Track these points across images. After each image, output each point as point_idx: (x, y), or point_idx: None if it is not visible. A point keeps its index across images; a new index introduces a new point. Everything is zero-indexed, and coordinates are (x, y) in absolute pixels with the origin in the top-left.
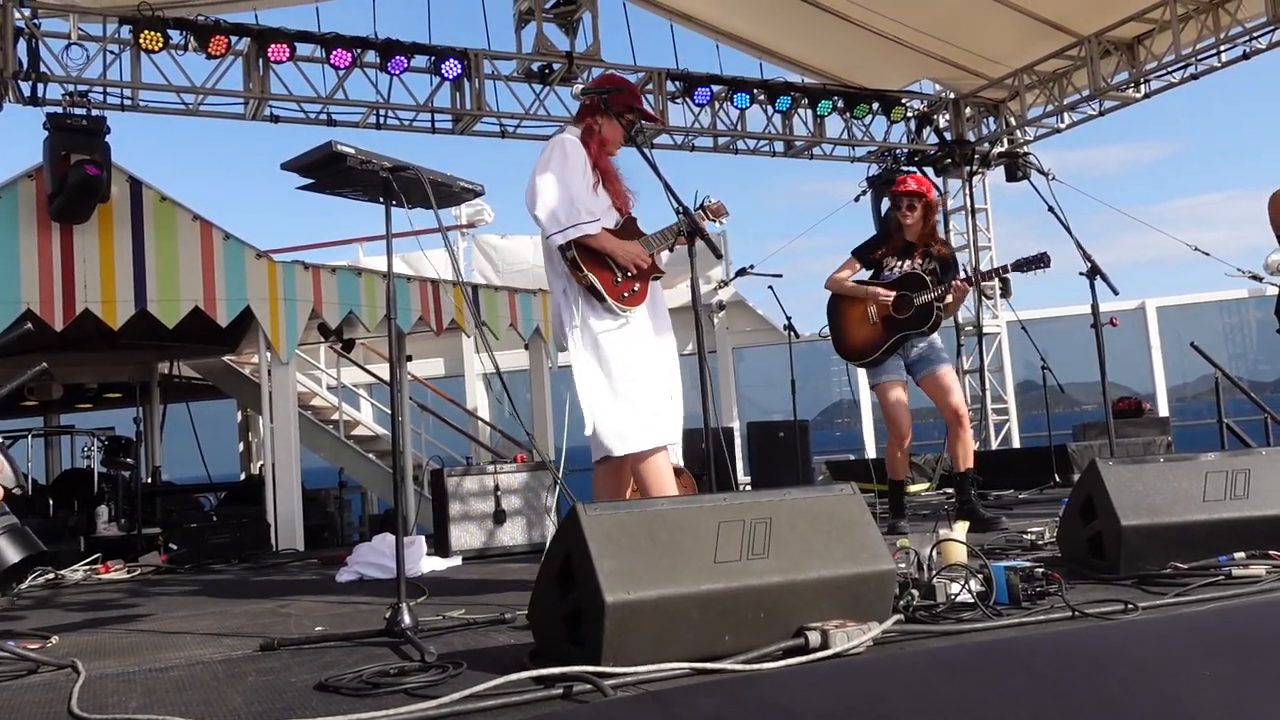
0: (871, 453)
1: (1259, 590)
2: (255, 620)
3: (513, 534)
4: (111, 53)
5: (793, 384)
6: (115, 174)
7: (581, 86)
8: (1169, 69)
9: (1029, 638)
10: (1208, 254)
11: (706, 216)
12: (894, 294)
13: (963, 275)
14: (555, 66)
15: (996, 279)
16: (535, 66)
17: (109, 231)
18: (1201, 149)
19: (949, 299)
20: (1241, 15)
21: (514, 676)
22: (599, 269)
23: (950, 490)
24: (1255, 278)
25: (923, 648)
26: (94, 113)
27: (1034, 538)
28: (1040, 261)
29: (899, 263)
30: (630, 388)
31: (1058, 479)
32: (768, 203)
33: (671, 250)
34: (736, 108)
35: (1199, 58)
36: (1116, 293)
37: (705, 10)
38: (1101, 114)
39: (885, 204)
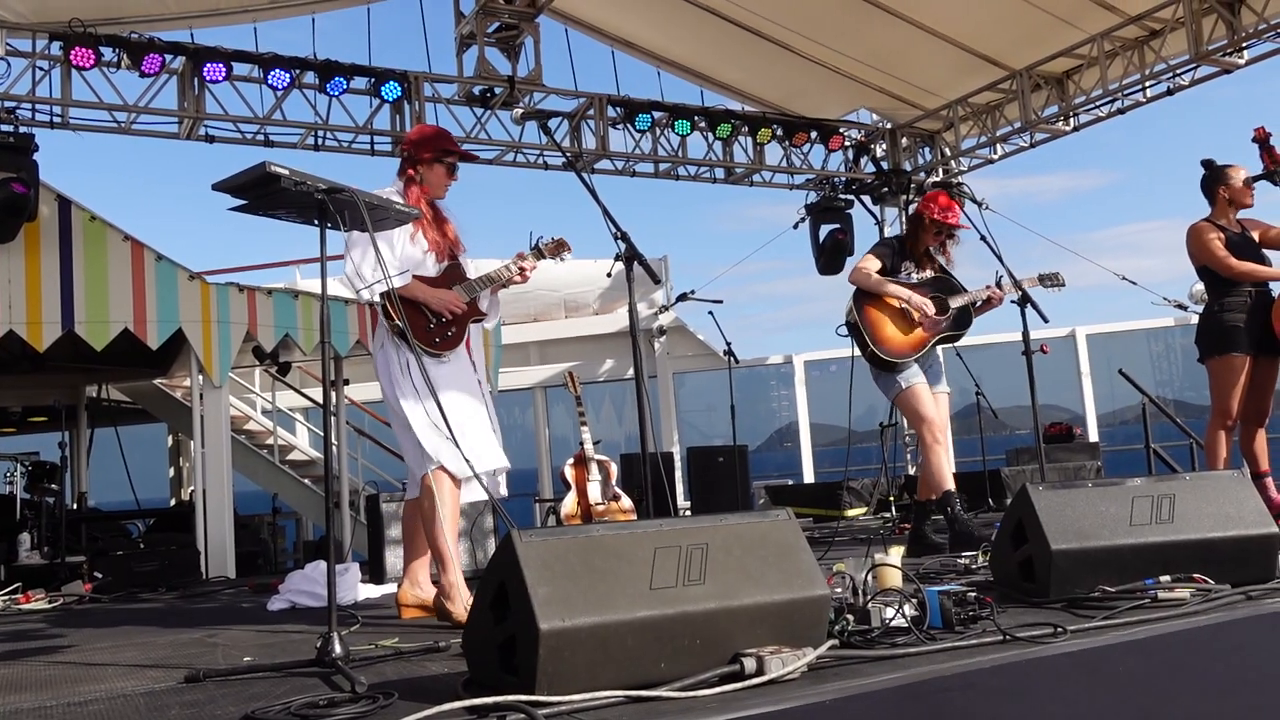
0: (810, 477)
1: (1183, 613)
2: (181, 651)
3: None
4: (41, 69)
5: (732, 409)
6: (43, 192)
7: (521, 111)
8: (1097, 103)
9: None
10: (1135, 283)
11: (544, 255)
12: (933, 297)
13: (995, 283)
14: (497, 90)
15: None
16: (476, 90)
17: (36, 251)
18: (1138, 178)
19: (979, 302)
20: (1166, 53)
21: (446, 706)
22: (412, 316)
23: (886, 515)
24: (1181, 306)
25: (856, 673)
26: (22, 130)
27: (967, 562)
28: (1055, 280)
29: (915, 268)
30: (431, 426)
31: (991, 503)
32: (715, 227)
33: (507, 285)
34: (677, 134)
35: (1125, 92)
36: (1046, 320)
37: (647, 37)
38: (1033, 145)
39: (822, 228)
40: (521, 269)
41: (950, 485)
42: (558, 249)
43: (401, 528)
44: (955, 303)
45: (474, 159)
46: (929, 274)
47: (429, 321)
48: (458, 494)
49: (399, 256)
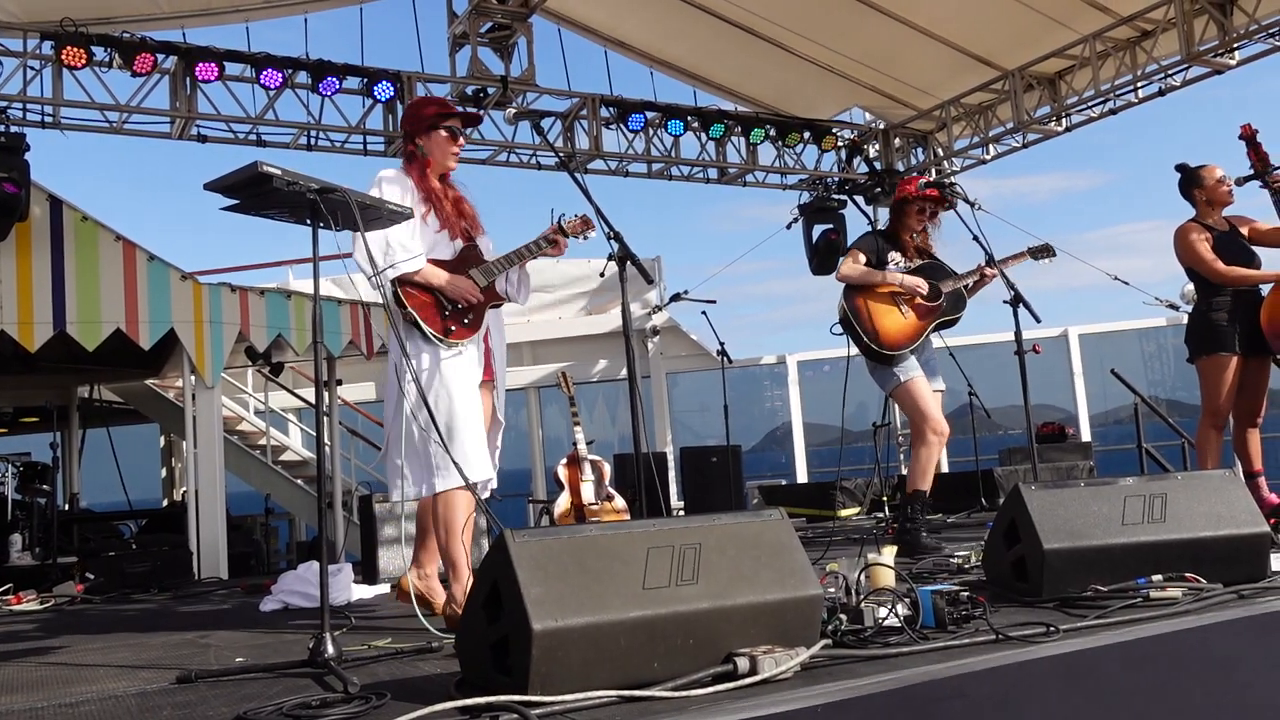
0: (803, 478)
1: (1175, 612)
2: (173, 652)
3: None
4: (32, 68)
5: (725, 409)
6: (35, 193)
7: (514, 111)
8: (1089, 104)
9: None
10: (1127, 283)
11: (567, 235)
12: (927, 281)
13: (985, 262)
14: (490, 90)
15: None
16: (469, 90)
17: (27, 251)
18: (1131, 178)
19: (971, 284)
20: (1158, 53)
21: (438, 707)
22: (427, 304)
23: (880, 515)
24: (1172, 306)
25: (849, 673)
26: (13, 129)
27: (960, 561)
28: (1046, 251)
29: (903, 257)
30: (454, 424)
31: (985, 503)
32: (709, 227)
33: (535, 256)
34: (670, 134)
35: (1117, 93)
36: (1039, 320)
37: (640, 37)
38: (1025, 146)
39: (815, 228)
40: (554, 242)
41: (924, 486)
42: (582, 227)
43: (416, 523)
44: (947, 286)
45: (475, 119)
46: (917, 262)
47: (444, 308)
48: (472, 502)
49: (412, 238)
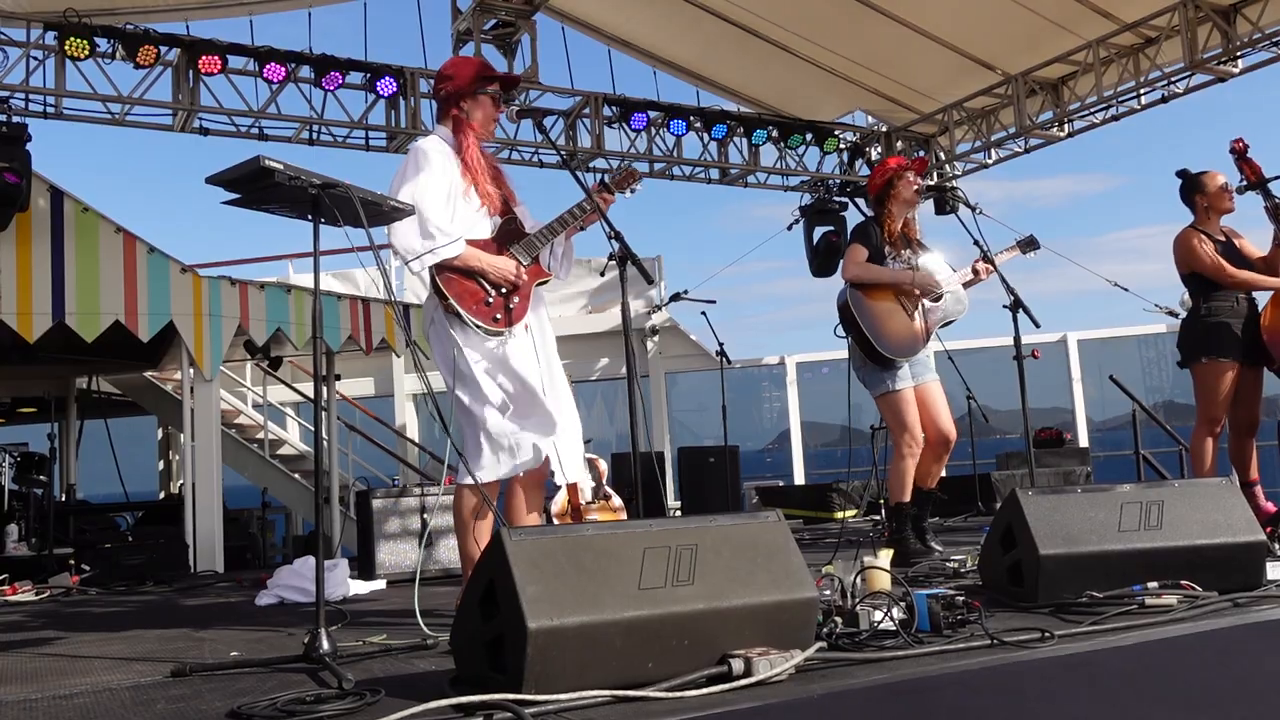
0: (801, 479)
1: (1170, 619)
2: (168, 645)
3: (439, 557)
4: (35, 59)
5: (724, 409)
6: (36, 183)
7: (517, 109)
8: (1091, 109)
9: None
10: (1126, 289)
11: (612, 190)
12: (934, 279)
13: (981, 257)
14: None
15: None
16: None
17: (27, 241)
18: (1142, 182)
19: (966, 280)
20: (1161, 60)
21: (433, 704)
22: (469, 292)
23: (877, 518)
24: (1172, 313)
25: (843, 675)
26: (15, 119)
27: (956, 566)
28: (1032, 244)
29: (897, 251)
30: (500, 413)
31: (981, 507)
32: (719, 227)
33: (583, 228)
34: (673, 134)
35: (1120, 99)
36: (1038, 325)
37: (643, 36)
38: (1027, 151)
39: (816, 230)
40: (596, 206)
41: (905, 498)
42: (628, 180)
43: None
44: (948, 286)
45: (515, 81)
46: (912, 254)
47: (486, 295)
48: (497, 488)
49: (450, 220)
